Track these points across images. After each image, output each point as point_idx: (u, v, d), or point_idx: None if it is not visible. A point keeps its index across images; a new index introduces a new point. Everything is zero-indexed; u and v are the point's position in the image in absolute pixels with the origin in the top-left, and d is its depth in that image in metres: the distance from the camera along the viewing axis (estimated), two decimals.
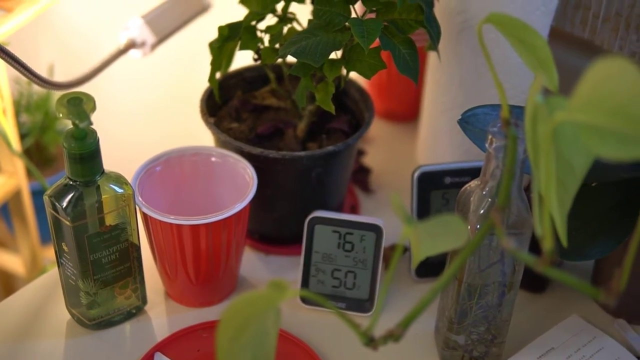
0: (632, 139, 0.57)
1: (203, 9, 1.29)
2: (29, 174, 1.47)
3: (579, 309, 0.96)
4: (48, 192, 0.84)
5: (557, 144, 0.65)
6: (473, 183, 0.81)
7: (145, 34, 1.19)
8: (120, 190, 0.85)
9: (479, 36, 0.71)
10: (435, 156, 1.09)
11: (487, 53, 0.72)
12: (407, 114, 1.23)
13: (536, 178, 0.66)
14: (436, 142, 1.09)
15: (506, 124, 0.70)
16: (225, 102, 1.05)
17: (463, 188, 0.82)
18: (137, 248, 0.90)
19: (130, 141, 1.21)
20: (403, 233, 0.63)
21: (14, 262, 1.55)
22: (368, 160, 1.15)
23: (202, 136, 1.02)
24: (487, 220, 0.69)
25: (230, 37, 0.96)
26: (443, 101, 1.06)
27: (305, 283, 0.94)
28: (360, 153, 1.14)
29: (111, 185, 0.85)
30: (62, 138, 0.82)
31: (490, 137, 0.75)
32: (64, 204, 0.83)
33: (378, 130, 1.22)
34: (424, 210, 0.97)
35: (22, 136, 1.64)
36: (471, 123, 0.84)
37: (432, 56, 1.07)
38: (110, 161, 0.95)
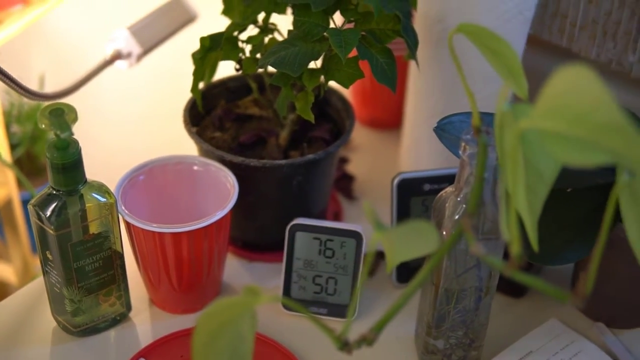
0: (593, 146, 0.59)
1: (190, 19, 1.30)
2: (20, 183, 1.48)
3: (559, 313, 0.97)
4: (32, 201, 0.86)
5: (525, 151, 0.67)
6: (449, 189, 0.82)
7: (131, 45, 1.21)
8: (102, 199, 0.86)
9: (450, 46, 0.73)
10: (417, 163, 1.11)
11: (458, 62, 0.73)
12: (391, 121, 1.24)
13: (504, 184, 0.68)
14: (418, 149, 1.11)
15: (477, 131, 0.71)
16: (209, 112, 1.06)
17: (439, 194, 0.83)
18: (121, 256, 0.91)
19: (117, 150, 1.23)
20: (372, 239, 0.64)
21: (6, 271, 1.56)
22: (352, 168, 1.17)
23: (187, 145, 1.03)
24: (458, 226, 0.71)
25: (212, 47, 0.98)
26: (424, 109, 1.07)
27: (287, 289, 0.96)
28: (344, 161, 1.15)
29: (94, 194, 0.86)
30: (45, 148, 0.84)
31: (463, 144, 0.77)
32: (48, 213, 0.85)
33: (362, 138, 1.23)
34: (404, 216, 0.98)
35: (13, 146, 1.65)
36: (447, 130, 0.85)
37: (413, 64, 1.08)
38: (97, 169, 0.97)
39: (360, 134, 1.23)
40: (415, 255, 0.68)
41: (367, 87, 1.22)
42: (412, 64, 1.10)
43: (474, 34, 0.73)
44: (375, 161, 1.19)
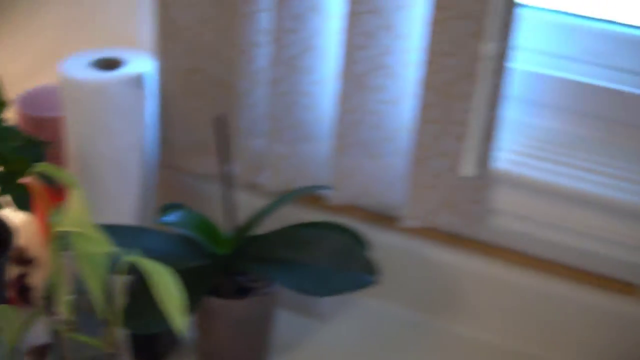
0: (96, 240, 0.87)
1: None
2: None
3: None
4: None
5: (78, 246, 0.94)
6: None
7: None
8: None
9: (52, 248, 1.00)
10: None
11: (56, 266, 1.00)
12: None
13: (52, 271, 0.94)
14: None
15: (55, 240, 0.99)
16: None
17: None
18: None
19: None
20: None
21: None
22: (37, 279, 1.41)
23: None
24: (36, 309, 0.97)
25: None
26: None
27: None
28: (23, 276, 1.40)
29: None
30: None
31: None
32: None
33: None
34: None
35: None
36: None
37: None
38: None
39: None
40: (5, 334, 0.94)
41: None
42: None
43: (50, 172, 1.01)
44: None
